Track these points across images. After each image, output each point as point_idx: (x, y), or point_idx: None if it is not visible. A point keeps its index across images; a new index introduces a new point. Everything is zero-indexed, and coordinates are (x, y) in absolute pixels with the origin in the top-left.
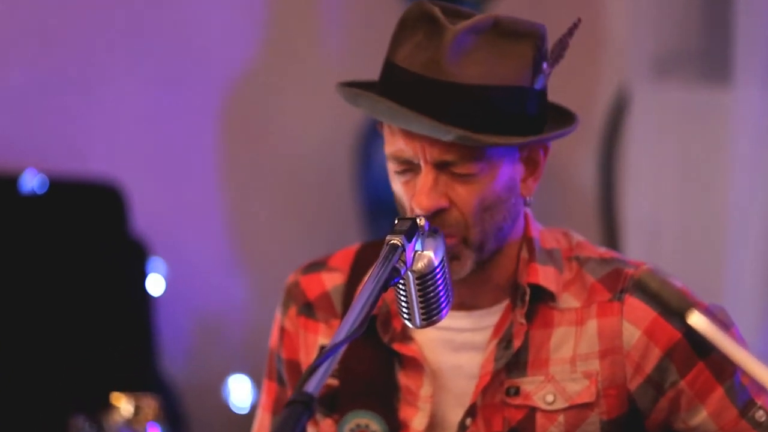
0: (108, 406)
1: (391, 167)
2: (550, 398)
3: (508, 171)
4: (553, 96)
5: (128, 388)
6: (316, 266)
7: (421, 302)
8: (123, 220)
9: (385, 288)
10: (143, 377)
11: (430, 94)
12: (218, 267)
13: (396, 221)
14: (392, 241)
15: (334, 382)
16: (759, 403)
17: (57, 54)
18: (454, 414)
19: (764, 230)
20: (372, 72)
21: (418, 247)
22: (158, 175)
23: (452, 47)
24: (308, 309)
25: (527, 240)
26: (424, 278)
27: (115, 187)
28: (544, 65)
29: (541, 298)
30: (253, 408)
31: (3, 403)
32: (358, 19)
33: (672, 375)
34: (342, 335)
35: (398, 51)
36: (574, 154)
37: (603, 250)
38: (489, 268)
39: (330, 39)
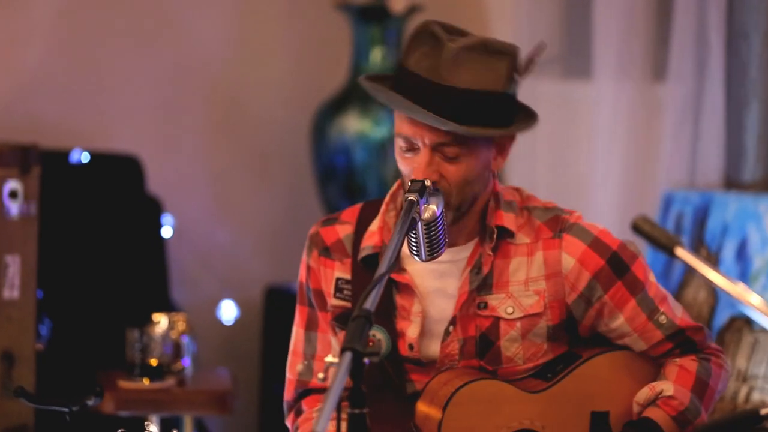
0: (151, 322)
1: (398, 144)
2: (510, 310)
3: (485, 153)
4: None
5: (153, 310)
6: (331, 220)
7: (426, 242)
8: (142, 184)
9: (408, 232)
10: (161, 301)
11: (431, 92)
12: (210, 219)
13: (410, 183)
14: (410, 198)
15: (347, 305)
16: (662, 309)
17: (93, 64)
18: (438, 324)
19: (619, 188)
20: (317, 65)
21: (425, 201)
22: (166, 150)
23: (450, 59)
24: (326, 252)
25: (494, 194)
26: (429, 225)
27: (136, 160)
28: (516, 76)
29: (503, 236)
30: (236, 321)
31: (76, 324)
32: (306, 27)
33: (598, 291)
34: (384, 268)
35: (409, 58)
36: None
37: (545, 201)
38: (464, 217)
39: (287, 41)
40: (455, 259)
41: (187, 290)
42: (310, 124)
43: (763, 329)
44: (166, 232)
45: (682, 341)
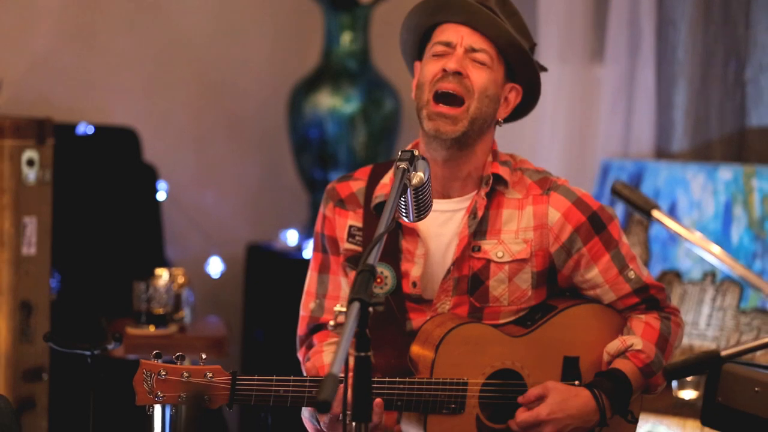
0: (154, 276)
1: (435, 50)
2: (500, 254)
3: (500, 84)
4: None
5: (150, 265)
6: (346, 177)
7: (414, 205)
8: (139, 153)
9: (401, 195)
10: (157, 258)
11: (480, 6)
12: (197, 182)
13: (400, 153)
14: (401, 166)
15: (359, 249)
16: (631, 266)
17: (95, 48)
18: (439, 266)
19: (562, 158)
20: (293, 48)
21: (413, 168)
22: (159, 123)
23: None
24: (341, 203)
25: (493, 151)
26: (417, 190)
27: (134, 132)
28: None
29: (497, 186)
30: (222, 275)
31: (82, 277)
32: (283, 14)
33: (578, 243)
34: (382, 228)
35: None
36: None
37: (537, 166)
38: (463, 163)
39: (266, 26)
40: (456, 209)
41: (179, 247)
42: (287, 100)
43: (691, 282)
44: (161, 196)
45: (646, 298)
